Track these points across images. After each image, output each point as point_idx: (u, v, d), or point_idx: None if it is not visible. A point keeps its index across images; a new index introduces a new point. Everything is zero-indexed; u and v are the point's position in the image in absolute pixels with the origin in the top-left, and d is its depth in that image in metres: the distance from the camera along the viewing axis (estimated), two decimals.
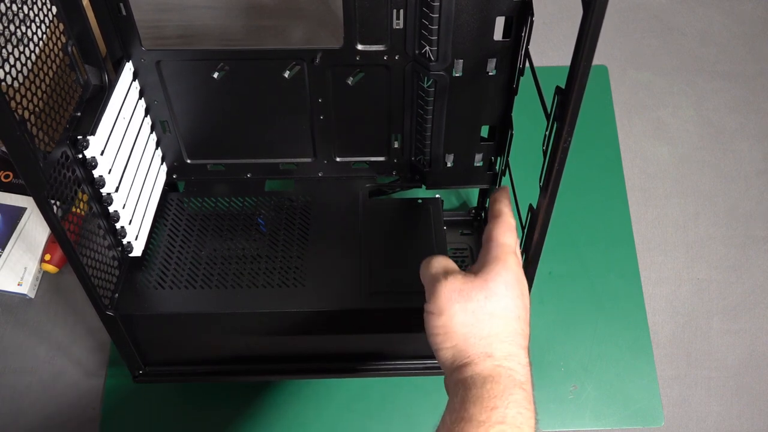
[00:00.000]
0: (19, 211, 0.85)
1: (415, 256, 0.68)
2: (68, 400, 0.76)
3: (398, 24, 0.60)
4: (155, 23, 0.61)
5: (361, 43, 0.62)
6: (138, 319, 0.64)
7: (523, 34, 0.58)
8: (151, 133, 0.70)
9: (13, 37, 0.49)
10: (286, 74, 0.64)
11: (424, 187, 0.74)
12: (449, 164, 0.71)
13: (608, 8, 0.40)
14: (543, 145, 0.52)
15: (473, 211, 0.84)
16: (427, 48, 0.60)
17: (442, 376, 0.52)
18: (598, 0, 0.39)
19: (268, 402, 0.76)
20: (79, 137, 0.56)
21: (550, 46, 1.04)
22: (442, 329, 0.49)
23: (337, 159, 0.73)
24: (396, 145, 0.72)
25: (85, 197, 0.59)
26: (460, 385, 0.47)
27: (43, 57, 0.53)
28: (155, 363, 0.69)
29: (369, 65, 0.64)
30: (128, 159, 0.64)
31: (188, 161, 0.73)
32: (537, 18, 0.55)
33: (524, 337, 0.49)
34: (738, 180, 0.93)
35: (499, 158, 0.71)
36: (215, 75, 0.64)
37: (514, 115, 0.65)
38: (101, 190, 0.60)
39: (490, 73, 0.62)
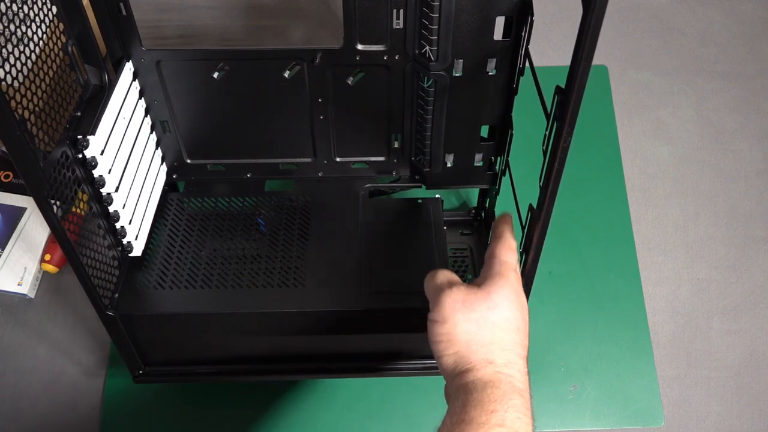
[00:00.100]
0: (19, 211, 0.85)
1: (415, 256, 0.69)
2: (68, 400, 0.76)
3: (398, 24, 0.60)
4: (155, 23, 0.61)
5: (361, 43, 0.62)
6: (138, 319, 0.64)
7: (523, 34, 0.58)
8: (151, 133, 0.70)
9: (13, 37, 0.49)
10: (286, 74, 0.64)
11: (424, 187, 0.74)
12: (449, 164, 0.71)
13: (608, 8, 0.40)
14: (543, 145, 0.52)
15: (473, 211, 0.84)
16: (427, 48, 0.60)
17: (442, 376, 0.53)
18: (598, 0, 0.39)
19: (268, 402, 0.76)
20: (79, 137, 0.56)
21: (550, 46, 1.04)
22: (446, 336, 0.50)
23: (337, 159, 0.73)
24: (396, 145, 0.72)
25: (85, 197, 0.59)
26: (461, 390, 0.48)
27: (43, 57, 0.53)
28: (155, 363, 0.69)
29: (369, 65, 0.64)
30: (128, 159, 0.64)
31: (188, 161, 0.73)
32: (537, 18, 0.55)
33: (523, 348, 0.51)
34: (738, 180, 0.93)
35: (499, 158, 0.71)
36: (215, 75, 0.64)
37: (514, 115, 0.65)
38: (101, 190, 0.60)
39: (490, 73, 0.62)
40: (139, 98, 0.66)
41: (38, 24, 0.53)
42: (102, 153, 0.58)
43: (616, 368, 0.78)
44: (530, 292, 0.59)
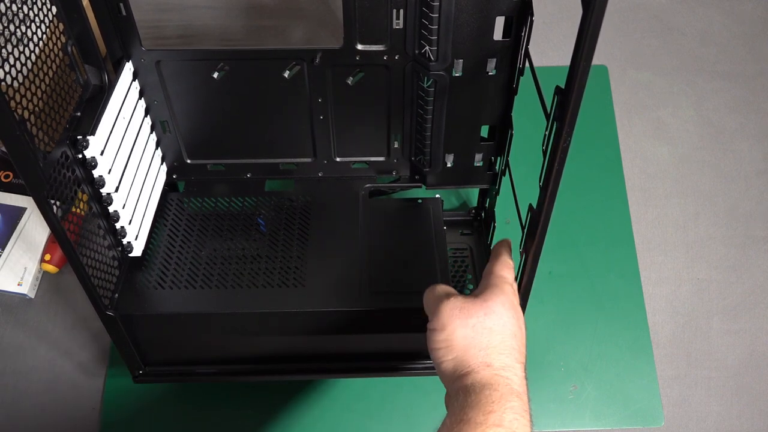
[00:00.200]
0: (19, 211, 0.85)
1: (415, 256, 0.69)
2: (68, 400, 0.76)
3: (398, 24, 0.60)
4: (155, 23, 0.61)
5: (361, 43, 0.62)
6: (138, 319, 0.63)
7: (523, 34, 0.58)
8: (151, 133, 0.70)
9: (13, 37, 0.49)
10: (286, 74, 0.64)
11: (424, 187, 0.74)
12: (449, 164, 0.71)
13: (608, 8, 0.40)
14: (543, 145, 0.52)
15: (473, 211, 0.84)
16: (427, 48, 0.60)
17: None
18: (598, 0, 0.39)
19: (268, 402, 0.76)
20: (79, 137, 0.56)
21: (550, 46, 1.04)
22: (444, 343, 0.51)
23: (337, 159, 0.73)
24: (396, 145, 0.72)
25: (85, 197, 0.59)
26: (460, 392, 0.49)
27: (43, 57, 0.53)
28: (155, 363, 0.69)
29: (369, 65, 0.64)
30: (128, 159, 0.64)
31: (188, 161, 0.73)
32: (537, 18, 0.55)
33: (520, 354, 0.52)
34: (738, 180, 0.93)
35: (499, 158, 0.71)
36: (215, 75, 0.64)
37: (514, 115, 0.65)
38: (101, 190, 0.60)
39: (490, 73, 0.62)
40: (139, 98, 0.66)
41: (38, 24, 0.53)
42: (102, 153, 0.58)
43: (616, 368, 0.78)
44: (530, 292, 0.59)
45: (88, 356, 0.79)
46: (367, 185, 0.74)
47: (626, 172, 0.92)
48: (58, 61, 0.55)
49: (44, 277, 0.84)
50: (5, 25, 0.48)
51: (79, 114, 0.58)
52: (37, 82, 0.52)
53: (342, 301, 0.64)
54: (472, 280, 0.79)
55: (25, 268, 0.82)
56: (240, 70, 0.64)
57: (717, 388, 0.78)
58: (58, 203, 0.52)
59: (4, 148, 0.76)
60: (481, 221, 0.83)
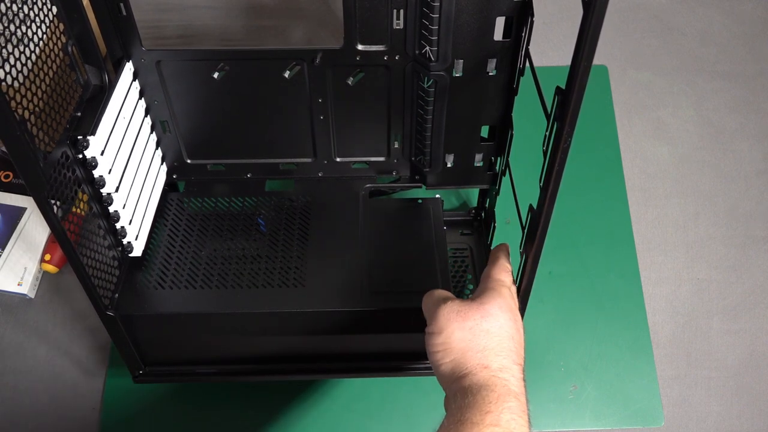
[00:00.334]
0: (19, 211, 0.85)
1: (415, 256, 0.69)
2: (68, 400, 0.76)
3: (398, 24, 0.60)
4: (155, 23, 0.61)
5: (361, 43, 0.62)
6: (138, 319, 0.63)
7: (523, 34, 0.58)
8: (151, 133, 0.70)
9: (13, 37, 0.49)
10: (286, 74, 0.64)
11: (424, 187, 0.74)
12: (449, 164, 0.71)
13: (608, 8, 0.40)
14: (543, 145, 0.52)
15: (473, 211, 0.84)
16: (427, 48, 0.60)
17: None
18: (598, 0, 0.39)
19: (268, 402, 0.76)
20: (79, 137, 0.56)
21: (550, 46, 1.04)
22: (442, 346, 0.51)
23: (337, 159, 0.73)
24: (396, 145, 0.72)
25: (85, 197, 0.59)
26: (458, 394, 0.49)
27: (43, 57, 0.53)
28: (155, 363, 0.69)
29: (369, 65, 0.64)
30: (128, 159, 0.64)
31: (188, 161, 0.73)
32: (537, 18, 0.55)
33: (518, 356, 0.52)
34: (738, 180, 0.93)
35: (499, 158, 0.71)
36: (215, 75, 0.64)
37: (514, 115, 0.65)
38: (101, 190, 0.60)
39: (490, 73, 0.62)
40: (139, 98, 0.66)
41: (38, 24, 0.53)
42: (102, 153, 0.58)
43: (616, 368, 0.78)
44: (530, 292, 0.59)
45: (88, 356, 0.79)
46: (367, 185, 0.74)
47: (626, 172, 0.92)
48: (58, 61, 0.55)
49: (44, 277, 0.84)
50: (5, 25, 0.48)
51: (79, 114, 0.58)
52: (38, 82, 0.52)
53: (342, 301, 0.64)
54: (472, 280, 0.79)
55: (25, 268, 0.82)
56: (240, 70, 0.64)
57: (717, 388, 0.78)
58: (58, 203, 0.52)
59: (4, 148, 0.76)
60: (481, 221, 0.83)
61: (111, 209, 0.61)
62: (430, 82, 0.63)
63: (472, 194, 0.86)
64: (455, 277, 0.79)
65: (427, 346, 0.53)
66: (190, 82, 0.65)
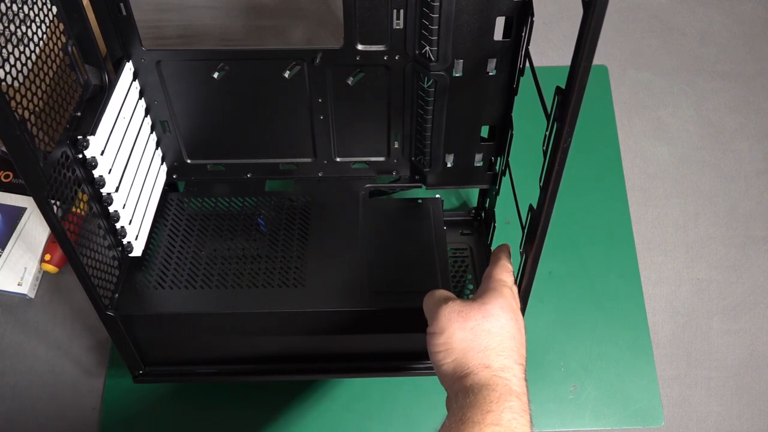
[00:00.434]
0: (19, 211, 0.85)
1: (415, 256, 0.69)
2: (68, 400, 0.76)
3: (398, 24, 0.60)
4: (155, 23, 0.61)
5: (361, 43, 0.62)
6: (138, 319, 0.63)
7: (523, 34, 0.58)
8: (151, 133, 0.70)
9: (13, 37, 0.49)
10: (286, 74, 0.64)
11: (424, 187, 0.74)
12: (449, 164, 0.71)
13: (608, 8, 0.40)
14: (543, 145, 0.52)
15: (473, 211, 0.84)
16: (427, 48, 0.60)
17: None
18: (598, 0, 0.39)
19: (268, 402, 0.76)
20: (79, 137, 0.56)
21: (550, 46, 1.04)
22: (443, 346, 0.51)
23: (337, 159, 0.73)
24: (396, 145, 0.72)
25: (85, 197, 0.59)
26: (459, 394, 0.49)
27: (43, 57, 0.53)
28: (155, 363, 0.69)
29: (369, 65, 0.64)
30: (128, 159, 0.64)
31: (188, 161, 0.73)
32: (537, 18, 0.55)
33: (520, 355, 0.52)
34: (738, 180, 0.93)
35: (499, 158, 0.71)
36: (215, 75, 0.64)
37: (514, 115, 0.65)
38: (101, 190, 0.60)
39: (490, 73, 0.62)
40: (139, 98, 0.66)
41: (38, 24, 0.53)
42: (102, 153, 0.58)
43: (616, 368, 0.78)
44: (530, 292, 0.59)
45: (88, 356, 0.79)
46: (367, 185, 0.74)
47: (626, 172, 0.92)
48: (58, 61, 0.55)
49: (44, 277, 0.84)
50: (5, 25, 0.48)
51: (79, 114, 0.58)
52: (38, 82, 0.52)
53: (342, 301, 0.64)
54: (472, 280, 0.79)
55: (25, 268, 0.82)
56: (240, 70, 0.64)
57: (717, 388, 0.78)
58: (58, 203, 0.52)
59: (4, 148, 0.76)
60: (481, 221, 0.83)
61: (111, 209, 0.61)
62: (430, 82, 0.63)
63: (472, 194, 0.86)
64: (455, 277, 0.79)
65: (429, 346, 0.53)
66: (190, 82, 0.65)
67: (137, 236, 0.66)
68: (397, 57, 0.63)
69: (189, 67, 0.64)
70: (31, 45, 0.51)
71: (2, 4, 0.47)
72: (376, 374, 0.72)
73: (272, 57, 0.63)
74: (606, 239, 0.86)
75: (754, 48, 1.04)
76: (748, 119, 0.98)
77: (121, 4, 0.59)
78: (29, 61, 0.51)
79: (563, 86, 0.46)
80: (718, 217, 0.90)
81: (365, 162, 0.74)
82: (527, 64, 0.58)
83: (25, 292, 0.81)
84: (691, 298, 0.84)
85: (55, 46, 0.55)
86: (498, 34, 0.59)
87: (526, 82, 0.60)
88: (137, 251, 0.67)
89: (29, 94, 0.50)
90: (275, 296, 0.64)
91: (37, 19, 0.53)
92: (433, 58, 0.60)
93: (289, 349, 0.69)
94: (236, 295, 0.64)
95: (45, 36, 0.54)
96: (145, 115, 0.68)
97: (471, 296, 0.56)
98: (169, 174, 0.74)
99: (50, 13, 0.55)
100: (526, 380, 0.51)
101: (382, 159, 0.73)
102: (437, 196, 0.74)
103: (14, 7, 0.49)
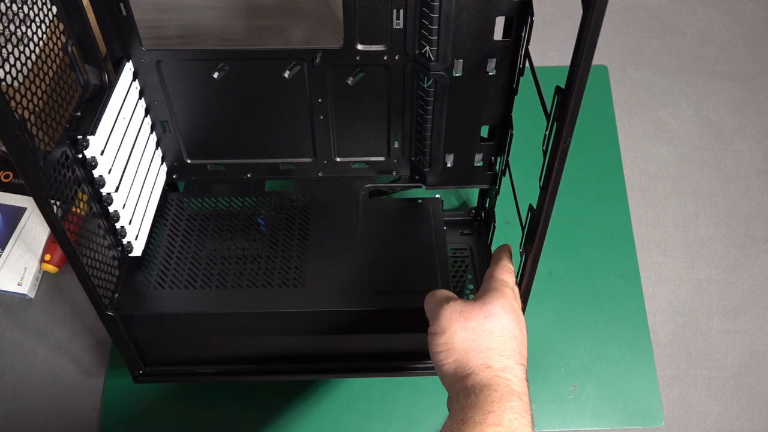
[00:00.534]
0: (19, 211, 0.85)
1: (415, 256, 0.69)
2: (68, 400, 0.76)
3: (398, 24, 0.60)
4: (155, 23, 0.61)
5: (361, 43, 0.62)
6: (138, 319, 0.63)
7: (523, 34, 0.58)
8: (151, 133, 0.70)
9: (13, 37, 0.49)
10: (286, 74, 0.64)
11: (424, 187, 0.74)
12: (449, 164, 0.71)
13: (608, 8, 0.40)
14: (543, 145, 0.52)
15: (473, 211, 0.84)
16: (427, 48, 0.60)
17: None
18: (598, 0, 0.39)
19: (268, 402, 0.76)
20: (79, 137, 0.56)
21: (550, 46, 1.04)
22: (445, 346, 0.51)
23: (337, 159, 0.73)
24: (396, 145, 0.72)
25: (85, 197, 0.59)
26: (461, 394, 0.49)
27: (43, 57, 0.53)
28: (155, 363, 0.69)
29: (369, 65, 0.64)
30: (128, 159, 0.64)
31: (188, 161, 0.73)
32: (537, 18, 0.55)
33: (521, 356, 0.52)
34: (738, 180, 0.93)
35: (499, 158, 0.71)
36: (215, 75, 0.64)
37: (514, 115, 0.65)
38: (101, 190, 0.60)
39: (490, 73, 0.62)
40: (139, 98, 0.66)
41: (38, 24, 0.53)
42: (102, 153, 0.58)
43: (616, 368, 0.78)
44: (530, 292, 0.59)
45: (88, 356, 0.79)
46: (367, 185, 0.74)
47: (626, 172, 0.92)
48: (58, 61, 0.55)
49: (44, 277, 0.84)
50: (5, 25, 0.48)
51: (79, 114, 0.58)
52: (38, 82, 0.52)
53: (342, 301, 0.64)
54: (472, 280, 0.79)
55: (25, 268, 0.82)
56: (240, 70, 0.64)
57: (717, 388, 0.78)
58: (58, 203, 0.52)
59: (4, 148, 0.76)
60: (481, 221, 0.83)
61: (111, 209, 0.61)
62: (429, 82, 0.63)
63: (472, 194, 0.86)
64: (455, 277, 0.79)
65: (430, 346, 0.53)
66: (190, 82, 0.65)
67: (137, 236, 0.66)
68: (397, 57, 0.63)
69: (189, 67, 0.64)
70: (31, 45, 0.51)
71: (2, 4, 0.47)
72: (376, 374, 0.72)
73: (272, 57, 0.63)
74: (606, 239, 0.87)
75: (754, 48, 1.05)
76: (748, 119, 0.98)
77: (121, 4, 0.59)
78: (29, 61, 0.51)
79: (563, 86, 0.46)
80: (718, 217, 0.90)
81: (365, 162, 0.74)
82: (527, 63, 0.58)
83: (25, 292, 0.81)
84: (691, 298, 0.84)
85: (55, 46, 0.55)
86: (498, 34, 0.59)
87: (526, 82, 0.60)
88: (137, 251, 0.67)
89: (29, 94, 0.50)
90: (275, 296, 0.64)
91: (37, 19, 0.53)
92: (433, 58, 0.60)
93: (289, 349, 0.69)
94: (236, 295, 0.64)
95: (45, 36, 0.54)
96: (145, 115, 0.68)
97: (471, 296, 0.56)
98: (169, 174, 0.74)
99: (50, 13, 0.55)
100: (527, 380, 0.51)
101: (382, 159, 0.73)
102: (437, 196, 0.74)
103: (14, 7, 0.49)
